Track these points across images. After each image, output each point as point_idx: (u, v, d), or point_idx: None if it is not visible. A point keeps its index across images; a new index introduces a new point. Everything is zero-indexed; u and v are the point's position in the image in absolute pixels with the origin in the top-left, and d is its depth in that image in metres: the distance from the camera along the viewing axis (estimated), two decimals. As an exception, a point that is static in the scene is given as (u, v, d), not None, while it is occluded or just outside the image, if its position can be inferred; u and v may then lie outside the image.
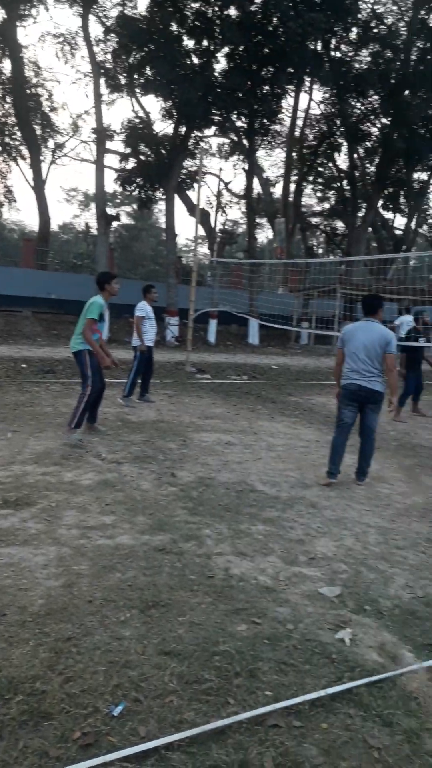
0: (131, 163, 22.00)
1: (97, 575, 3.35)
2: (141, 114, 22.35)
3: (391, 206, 31.22)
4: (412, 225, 30.24)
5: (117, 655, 2.62)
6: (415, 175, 28.97)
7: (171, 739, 2.11)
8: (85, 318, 6.26)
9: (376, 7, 24.54)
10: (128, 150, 21.52)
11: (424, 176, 29.65)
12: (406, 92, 22.14)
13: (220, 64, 20.33)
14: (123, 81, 19.60)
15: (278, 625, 2.98)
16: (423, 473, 6.23)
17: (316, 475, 5.74)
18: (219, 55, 19.87)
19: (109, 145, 20.89)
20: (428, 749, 2.18)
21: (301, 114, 28.62)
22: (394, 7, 25.10)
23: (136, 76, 19.20)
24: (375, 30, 23.30)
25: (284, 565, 3.69)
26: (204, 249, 32.05)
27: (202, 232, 26.25)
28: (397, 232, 33.01)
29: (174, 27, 18.86)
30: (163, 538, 3.93)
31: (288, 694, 2.42)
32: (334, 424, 6.43)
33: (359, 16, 22.36)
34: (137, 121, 21.75)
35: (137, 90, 20.21)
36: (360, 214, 27.84)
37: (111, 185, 44.53)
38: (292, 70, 19.28)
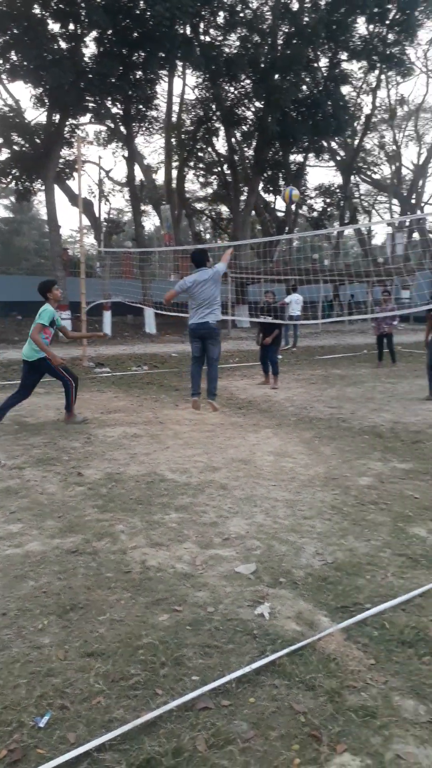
0: (5, 154, 21.00)
1: (9, 586, 3.23)
2: (11, 102, 21.33)
3: (271, 189, 32.04)
4: (292, 207, 31.18)
5: (38, 664, 2.54)
6: (292, 158, 29.90)
7: (102, 740, 2.09)
8: (35, 323, 6.85)
9: (241, -9, 24.90)
10: (0, 140, 20.51)
11: (299, 158, 30.65)
12: (276, 76, 22.69)
13: (90, 49, 19.82)
14: (-13, 67, 18.58)
15: (199, 609, 3.01)
16: (321, 444, 6.51)
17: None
18: (87, 39, 19.34)
19: (-22, 135, 19.82)
20: (350, 705, 2.30)
21: (176, 99, 28.57)
22: (258, -8, 25.59)
23: (1, 62, 18.26)
24: (241, 14, 23.64)
25: (200, 550, 3.73)
26: (90, 239, 31.30)
27: (86, 221, 25.57)
28: (279, 214, 33.95)
29: (37, 10, 18.09)
30: (74, 540, 3.84)
31: (215, 676, 2.46)
32: (235, 406, 6.62)
33: (225, 0, 22.59)
34: (7, 109, 20.75)
35: (4, 76, 19.25)
36: (242, 197, 28.34)
37: (-15, 178, 41.99)
38: (163, 55, 19.14)
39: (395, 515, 4.34)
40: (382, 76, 31.43)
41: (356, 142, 33.54)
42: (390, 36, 25.10)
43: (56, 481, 5.08)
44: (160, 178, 31.29)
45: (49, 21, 18.48)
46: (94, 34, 18.93)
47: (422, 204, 40.45)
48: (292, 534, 3.99)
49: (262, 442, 6.55)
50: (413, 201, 38.90)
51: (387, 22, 24.40)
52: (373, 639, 2.74)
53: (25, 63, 17.01)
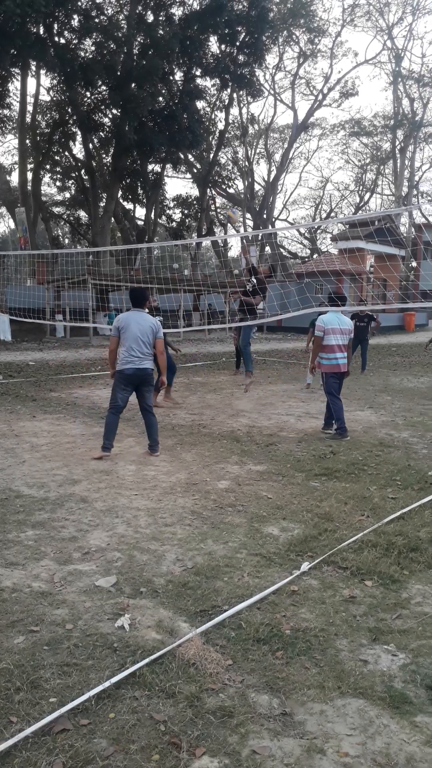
0: None
1: None
2: None
3: (130, 197, 32.08)
4: (152, 216, 31.48)
5: None
6: (150, 167, 30.15)
7: None
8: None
9: (95, -3, 24.73)
10: None
11: (157, 168, 30.99)
12: (133, 85, 22.78)
13: None
14: None
15: (57, 627, 2.92)
16: (183, 451, 6.61)
17: (93, 458, 6.15)
18: None
19: None
20: (209, 708, 2.36)
21: (31, 99, 27.59)
22: (113, 0, 25.59)
23: None
24: (96, 20, 23.46)
25: (58, 566, 3.62)
26: None
27: None
28: (139, 222, 34.04)
29: None
30: None
31: (73, 695, 2.40)
32: (97, 415, 6.52)
33: (80, 3, 22.28)
34: None
35: None
36: (102, 204, 28.03)
37: None
38: (14, 52, 18.42)
39: (251, 516, 4.53)
40: (234, 95, 32.78)
41: (211, 156, 34.60)
42: (240, 57, 26.28)
43: None
44: (14, 179, 29.98)
45: None
46: None
47: (273, 219, 42.69)
48: (153, 542, 4.01)
49: (124, 452, 6.50)
50: (265, 216, 40.91)
51: (237, 43, 25.52)
52: (230, 640, 2.83)
53: None
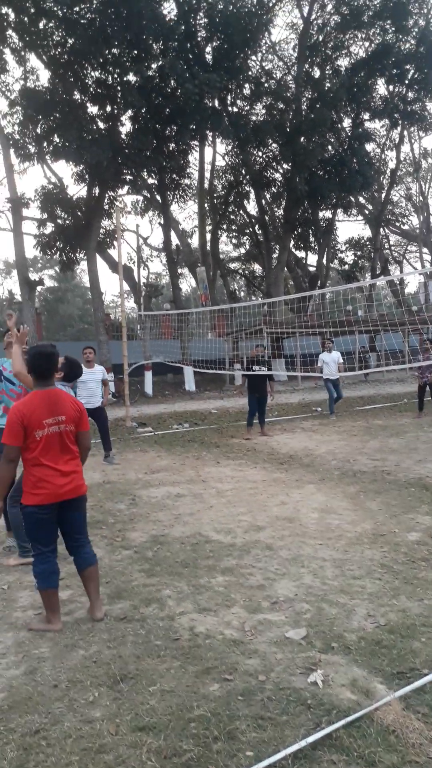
0: (49, 228, 22.14)
1: (60, 656, 3.23)
2: (54, 180, 22.62)
3: (302, 245, 32.63)
4: (324, 261, 31.66)
5: (89, 740, 2.51)
6: (321, 214, 30.53)
7: None
8: None
9: (264, 64, 26.26)
10: (45, 215, 21.68)
11: (328, 215, 31.30)
12: (302, 139, 23.51)
13: (126, 127, 21.07)
14: (33, 150, 19.97)
15: (250, 678, 2.94)
16: (367, 499, 6.38)
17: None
18: (123, 118, 20.60)
19: (25, 212, 20.95)
20: (412, 781, 2.20)
21: (208, 166, 29.81)
22: (281, 63, 26.91)
23: (45, 144, 19.60)
24: (266, 85, 24.82)
25: (248, 614, 3.67)
26: (131, 303, 32.27)
27: (127, 287, 26.46)
28: (311, 268, 34.42)
29: (77, 95, 19.49)
30: (123, 606, 3.83)
31: (269, 751, 2.39)
32: (277, 461, 6.57)
33: (250, 73, 23.80)
34: (51, 186, 21.99)
35: (47, 157, 20.56)
36: (275, 255, 28.93)
37: (31, 251, 44.30)
38: (194, 127, 20.16)
39: (449, 573, 4.19)
40: (405, 132, 32.18)
41: (383, 195, 34.10)
42: (410, 94, 25.88)
43: (103, 545, 5.11)
44: (194, 241, 32.28)
45: (88, 104, 19.88)
46: (129, 113, 20.18)
47: (453, 251, 40.47)
48: (342, 595, 3.90)
49: (306, 499, 6.47)
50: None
51: (406, 81, 25.23)
52: (433, 708, 2.62)
53: (66, 144, 18.18)
